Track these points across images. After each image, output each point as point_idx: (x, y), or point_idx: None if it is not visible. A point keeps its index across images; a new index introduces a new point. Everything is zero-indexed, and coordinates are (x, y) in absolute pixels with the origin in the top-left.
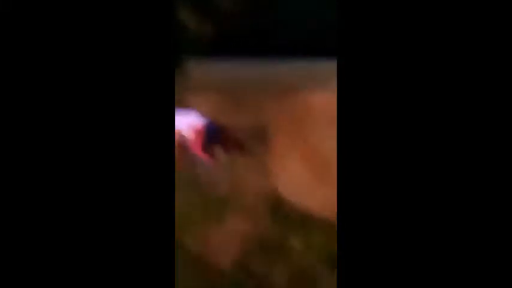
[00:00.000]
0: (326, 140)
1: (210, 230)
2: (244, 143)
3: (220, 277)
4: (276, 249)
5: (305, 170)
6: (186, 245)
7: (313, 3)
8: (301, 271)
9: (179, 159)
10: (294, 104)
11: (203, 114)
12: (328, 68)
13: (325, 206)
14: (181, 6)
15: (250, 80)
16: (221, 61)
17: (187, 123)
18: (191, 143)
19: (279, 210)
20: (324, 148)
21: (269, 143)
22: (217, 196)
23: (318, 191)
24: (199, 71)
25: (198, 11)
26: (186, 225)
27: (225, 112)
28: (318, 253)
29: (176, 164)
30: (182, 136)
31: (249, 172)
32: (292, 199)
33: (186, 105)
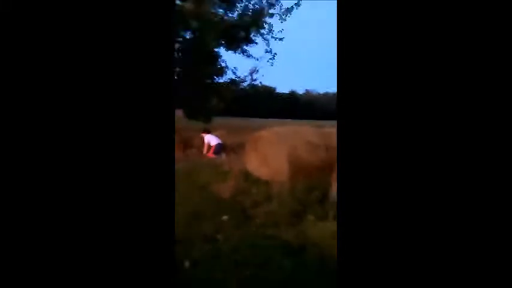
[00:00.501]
0: (267, 149)
1: (220, 184)
2: (235, 150)
3: (224, 202)
4: (246, 193)
5: (258, 161)
6: (211, 190)
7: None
8: (256, 201)
9: (207, 155)
10: (256, 135)
11: (219, 137)
12: (273, 122)
13: (267, 175)
14: (209, 94)
15: (240, 125)
16: (228, 117)
17: (210, 140)
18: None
19: (248, 176)
20: (265, 152)
21: (245, 150)
22: (223, 170)
23: (263, 169)
24: (217, 122)
25: (216, 97)
26: (209, 182)
27: (227, 137)
28: (263, 194)
29: (205, 156)
30: (209, 145)
31: (236, 161)
32: (253, 172)
33: (211, 133)
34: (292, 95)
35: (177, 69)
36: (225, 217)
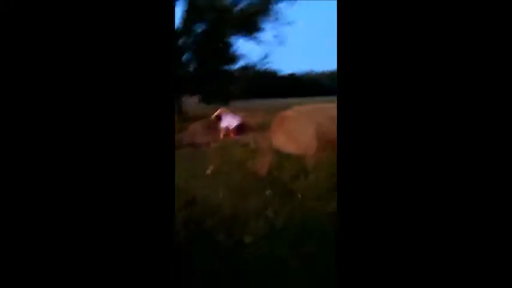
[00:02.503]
0: (294, 127)
1: (253, 160)
2: (257, 129)
3: (261, 178)
4: (278, 167)
5: (284, 138)
6: (248, 166)
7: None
8: (294, 175)
9: (232, 135)
10: (282, 114)
11: (240, 118)
12: (289, 103)
13: (294, 151)
14: (224, 80)
15: (256, 106)
16: (245, 100)
17: (231, 121)
18: (231, 132)
19: (277, 152)
20: (292, 130)
21: (269, 129)
22: (252, 148)
23: (290, 145)
24: (236, 103)
25: (230, 82)
26: (245, 159)
27: (249, 118)
28: (293, 167)
29: (233, 136)
30: (230, 126)
31: (262, 139)
32: (281, 148)
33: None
34: (293, 75)
35: (193, 57)
36: (268, 191)
